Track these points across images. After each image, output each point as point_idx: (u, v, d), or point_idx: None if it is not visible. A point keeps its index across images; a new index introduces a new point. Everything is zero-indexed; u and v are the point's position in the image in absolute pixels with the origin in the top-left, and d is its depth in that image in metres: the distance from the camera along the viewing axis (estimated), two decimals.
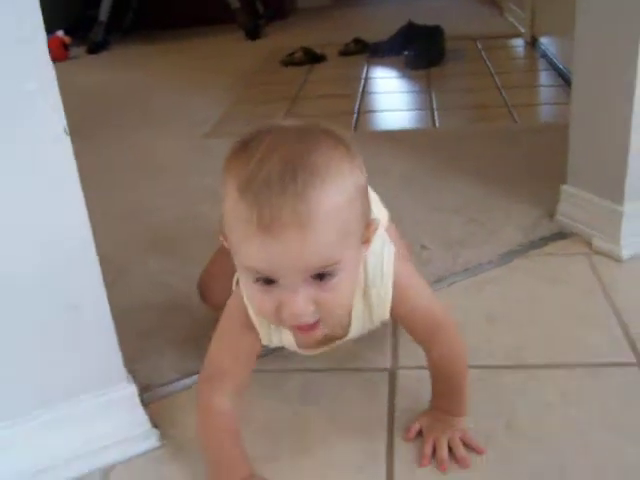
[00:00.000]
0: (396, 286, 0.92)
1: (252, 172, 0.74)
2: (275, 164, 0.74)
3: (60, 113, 0.85)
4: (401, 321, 0.99)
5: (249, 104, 2.65)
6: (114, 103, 2.88)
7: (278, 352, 1.14)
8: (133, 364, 1.06)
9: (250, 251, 0.75)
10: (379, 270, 0.91)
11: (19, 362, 0.93)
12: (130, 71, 3.44)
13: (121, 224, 1.68)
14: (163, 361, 1.20)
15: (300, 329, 0.82)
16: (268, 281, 0.77)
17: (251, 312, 0.91)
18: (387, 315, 0.94)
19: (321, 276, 0.77)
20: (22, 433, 0.96)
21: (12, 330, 0.91)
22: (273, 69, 3.31)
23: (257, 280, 0.78)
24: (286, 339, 0.95)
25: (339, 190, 0.76)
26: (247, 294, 0.85)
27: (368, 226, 0.83)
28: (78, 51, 3.78)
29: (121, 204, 1.80)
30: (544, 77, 2.94)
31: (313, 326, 0.81)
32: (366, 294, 0.92)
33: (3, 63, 0.80)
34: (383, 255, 0.92)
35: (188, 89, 2.98)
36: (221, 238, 0.84)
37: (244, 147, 0.78)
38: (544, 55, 3.13)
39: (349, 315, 0.94)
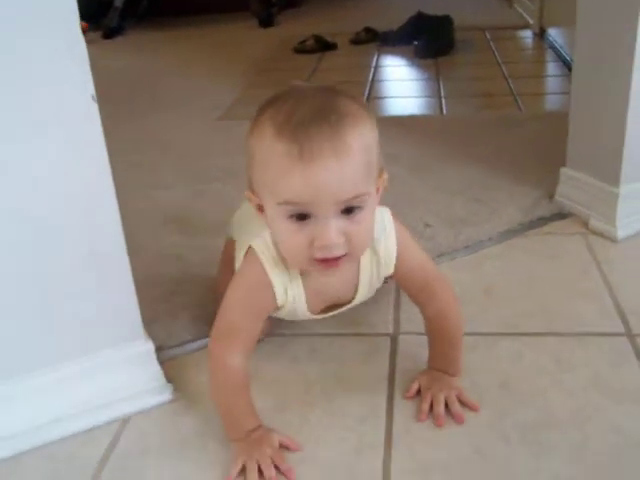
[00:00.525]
0: (398, 242, 0.99)
1: (287, 114, 0.82)
2: (307, 108, 0.82)
3: (89, 82, 0.91)
4: (401, 278, 1.05)
5: (261, 89, 2.71)
6: (129, 86, 2.94)
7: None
8: (148, 327, 1.12)
9: (291, 183, 0.82)
10: (382, 225, 0.98)
11: (43, 315, 1.00)
12: (144, 56, 3.51)
13: (135, 200, 1.74)
14: (176, 325, 1.27)
15: (326, 263, 0.88)
16: (301, 217, 0.85)
17: (268, 267, 0.97)
18: (392, 269, 1.01)
19: (349, 210, 0.85)
20: (46, 383, 1.02)
21: (41, 288, 0.98)
22: (285, 56, 3.36)
23: (291, 217, 0.85)
24: (299, 298, 1.00)
25: (365, 130, 0.84)
26: (279, 234, 0.90)
27: (380, 174, 0.91)
28: (94, 36, 3.85)
29: (135, 182, 1.87)
30: (551, 68, 2.98)
31: (339, 260, 0.88)
32: (374, 249, 0.99)
33: (43, 37, 0.86)
34: (383, 215, 1.00)
35: (201, 74, 3.04)
36: (247, 194, 0.92)
37: (273, 100, 0.87)
38: (552, 46, 3.17)
39: (357, 275, 1.01)
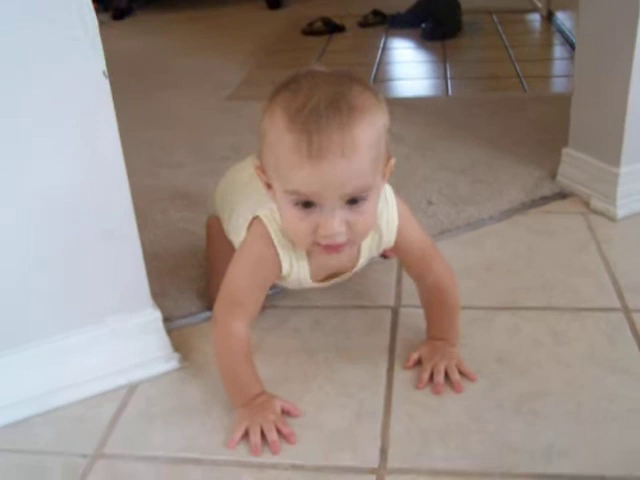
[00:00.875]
0: (398, 216, 1.03)
1: (300, 104, 0.84)
2: (319, 99, 0.84)
3: (101, 58, 0.94)
4: (400, 250, 1.08)
5: (269, 69, 2.74)
6: (139, 66, 2.96)
7: (289, 290, 1.24)
8: (156, 299, 1.15)
9: (298, 176, 0.85)
10: (384, 201, 1.02)
11: (57, 285, 1.03)
12: (153, 37, 3.53)
13: (145, 177, 1.78)
14: (183, 297, 1.30)
15: (328, 248, 0.92)
16: (306, 204, 0.88)
17: (275, 238, 1.00)
18: (392, 241, 1.04)
19: (354, 201, 0.88)
20: (57, 350, 1.06)
21: (53, 254, 1.01)
22: (293, 38, 3.38)
23: (296, 204, 0.88)
24: (303, 269, 1.04)
25: (373, 124, 0.87)
26: (285, 217, 0.93)
27: (388, 161, 0.94)
28: (103, 17, 3.87)
29: (145, 159, 1.90)
30: (558, 51, 2.99)
31: (340, 246, 0.92)
32: (376, 224, 1.01)
33: (56, 14, 0.89)
34: (385, 190, 1.02)
35: (210, 55, 3.06)
36: (257, 171, 0.95)
37: (287, 85, 0.89)
38: (560, 30, 3.18)
39: (359, 249, 1.04)
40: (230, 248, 1.12)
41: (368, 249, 1.05)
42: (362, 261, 1.07)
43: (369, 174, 0.87)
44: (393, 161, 0.95)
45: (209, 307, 1.19)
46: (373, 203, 0.92)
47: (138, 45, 3.37)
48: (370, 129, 0.86)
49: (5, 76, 0.89)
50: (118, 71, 0.96)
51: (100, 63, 0.94)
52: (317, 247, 0.93)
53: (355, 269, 1.09)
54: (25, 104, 0.92)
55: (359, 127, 0.85)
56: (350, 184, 0.86)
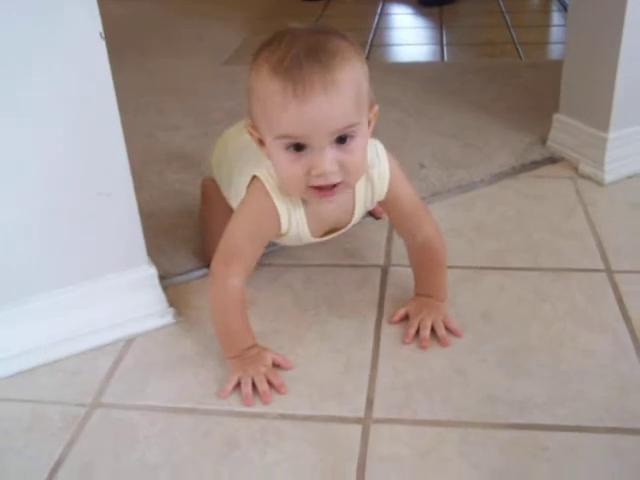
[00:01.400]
0: (390, 169, 1.06)
1: (281, 55, 0.89)
2: (300, 48, 0.88)
3: (97, 20, 0.96)
4: (391, 204, 1.11)
5: (266, 35, 2.72)
6: (135, 31, 2.96)
7: (282, 249, 1.27)
8: (152, 257, 1.18)
9: (285, 118, 0.89)
10: (375, 154, 1.05)
11: (57, 242, 1.06)
12: (148, 4, 3.49)
13: (142, 139, 1.80)
14: (178, 255, 1.33)
15: (323, 191, 0.95)
16: (298, 148, 0.91)
17: (273, 194, 1.03)
18: (384, 194, 1.07)
19: (342, 139, 0.91)
20: (57, 304, 1.09)
21: (51, 215, 1.04)
22: (291, 3, 3.37)
23: (288, 148, 0.92)
24: (301, 223, 1.06)
25: (353, 66, 0.91)
26: (278, 165, 0.96)
27: (371, 107, 0.97)
28: None
29: (142, 122, 1.93)
30: (556, 17, 3.00)
31: (334, 188, 0.95)
32: (368, 175, 1.05)
33: None
34: (376, 145, 1.06)
35: (206, 20, 3.06)
36: (248, 129, 0.99)
37: (269, 43, 0.93)
38: None
39: (353, 201, 1.07)
40: (226, 209, 1.15)
41: (362, 201, 1.08)
42: (357, 214, 1.10)
43: (353, 111, 0.91)
44: (377, 107, 0.99)
45: (206, 265, 1.23)
46: (361, 143, 0.95)
47: (134, 10, 3.36)
48: (349, 71, 0.90)
49: (1, 41, 0.91)
50: (115, 36, 0.99)
51: (96, 24, 0.97)
52: (312, 192, 0.96)
53: (351, 224, 1.11)
54: (20, 66, 0.94)
55: (338, 69, 0.89)
56: (335, 120, 0.89)
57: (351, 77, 0.90)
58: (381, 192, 1.07)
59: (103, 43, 0.98)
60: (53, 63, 0.95)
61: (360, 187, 1.06)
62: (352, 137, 0.93)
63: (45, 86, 0.96)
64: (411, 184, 1.12)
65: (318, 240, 1.12)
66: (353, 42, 0.95)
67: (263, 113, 0.93)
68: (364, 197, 1.08)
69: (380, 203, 1.11)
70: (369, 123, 0.98)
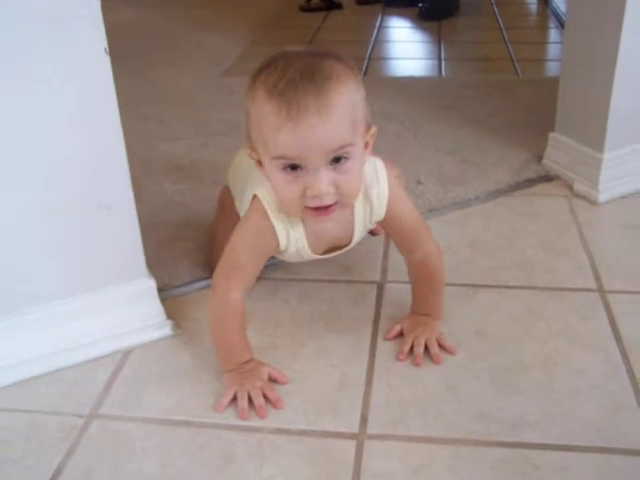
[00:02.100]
0: (389, 188, 1.07)
1: (277, 78, 0.91)
2: (295, 71, 0.91)
3: (102, 35, 0.98)
4: (390, 224, 1.12)
5: (265, 46, 2.77)
6: (135, 39, 2.98)
7: (280, 263, 1.29)
8: (151, 269, 1.19)
9: (280, 139, 0.91)
10: (374, 174, 1.06)
11: (57, 254, 1.08)
12: (150, 10, 3.52)
13: (141, 150, 1.81)
14: (177, 268, 1.34)
15: (319, 212, 0.97)
16: (294, 168, 0.93)
17: (271, 213, 1.04)
18: (383, 213, 1.08)
19: (337, 160, 0.93)
20: (56, 316, 1.11)
21: (52, 226, 1.05)
22: (291, 14, 3.40)
23: (284, 168, 0.94)
24: (300, 240, 1.08)
25: (348, 89, 0.93)
26: (275, 185, 0.98)
27: (368, 129, 0.99)
28: None
29: (142, 132, 1.94)
30: (553, 34, 3.03)
31: (330, 208, 0.97)
32: (366, 195, 1.06)
33: None
34: (375, 164, 1.08)
35: (207, 30, 3.08)
36: (248, 151, 1.01)
37: (266, 66, 0.95)
38: (555, 13, 3.21)
39: (352, 220, 1.09)
40: (237, 220, 1.16)
41: (362, 221, 1.09)
42: (357, 232, 1.11)
43: (347, 132, 0.93)
44: (374, 129, 1.01)
45: (210, 275, 1.24)
46: (357, 164, 0.97)
47: (135, 18, 3.37)
48: (344, 93, 0.92)
49: (9, 54, 0.93)
50: (114, 44, 1.00)
51: (102, 40, 0.98)
52: (308, 212, 0.98)
53: (353, 242, 1.13)
54: (28, 81, 0.95)
55: (333, 91, 0.91)
56: (329, 141, 0.91)
57: (345, 99, 0.92)
58: (380, 212, 1.08)
59: (107, 58, 1.00)
60: (57, 77, 0.97)
61: (359, 207, 1.07)
62: (347, 158, 0.94)
63: (48, 99, 0.98)
64: (412, 202, 1.13)
65: (320, 257, 1.13)
66: (349, 64, 0.97)
67: (259, 135, 0.96)
68: (363, 217, 1.09)
69: (379, 222, 1.12)
70: (367, 145, 1.00)
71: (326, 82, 0.91)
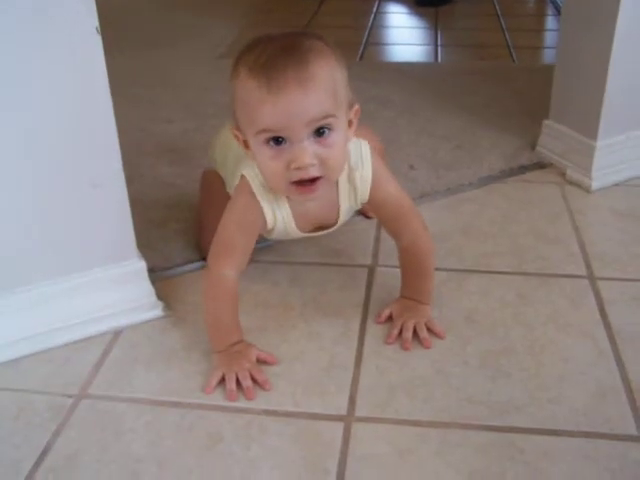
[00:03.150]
0: (373, 172, 1.07)
1: (258, 56, 0.92)
2: (275, 48, 0.92)
3: (93, 14, 0.97)
4: (375, 206, 1.12)
5: (261, 29, 2.72)
6: (131, 21, 2.96)
7: (271, 246, 1.29)
8: (142, 250, 1.19)
9: (263, 112, 0.92)
10: (359, 156, 1.07)
11: (47, 234, 1.07)
12: None
13: (134, 132, 1.81)
14: (169, 249, 1.34)
15: (303, 187, 0.97)
16: (277, 142, 0.94)
17: (257, 192, 1.05)
18: (367, 196, 1.08)
19: (320, 133, 0.94)
20: (46, 295, 1.11)
21: (43, 206, 1.05)
22: None
23: (268, 142, 0.94)
24: (287, 218, 1.08)
25: (328, 61, 0.94)
26: (260, 162, 0.98)
27: (351, 106, 1.00)
28: None
29: (135, 114, 1.93)
30: (550, 22, 3.02)
31: (314, 184, 0.97)
32: (350, 177, 1.07)
33: None
34: (361, 146, 1.08)
35: (203, 12, 3.07)
36: (234, 132, 1.02)
37: (248, 48, 0.96)
38: (553, 0, 3.20)
39: (337, 200, 1.09)
40: (225, 202, 1.16)
41: (347, 202, 1.09)
42: (343, 212, 1.11)
43: (328, 103, 0.93)
44: (357, 106, 1.01)
45: (201, 258, 1.26)
46: (340, 137, 0.97)
47: (129, 2, 3.35)
48: (324, 65, 0.93)
49: None
50: (109, 25, 1.00)
51: (93, 19, 0.98)
52: (293, 188, 0.98)
53: (340, 221, 1.13)
54: (15, 59, 0.95)
55: (313, 62, 0.92)
56: (310, 110, 0.92)
57: (326, 70, 0.93)
58: (364, 195, 1.09)
59: (99, 38, 0.99)
60: (48, 56, 0.96)
61: (343, 188, 1.08)
62: (330, 130, 0.95)
63: (39, 79, 0.97)
64: (398, 184, 1.12)
65: (308, 235, 1.14)
66: (329, 44, 0.98)
67: (243, 112, 0.96)
68: (348, 198, 1.09)
69: (364, 203, 1.12)
70: (350, 123, 1.01)
71: (306, 55, 0.92)
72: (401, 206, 1.11)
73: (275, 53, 0.92)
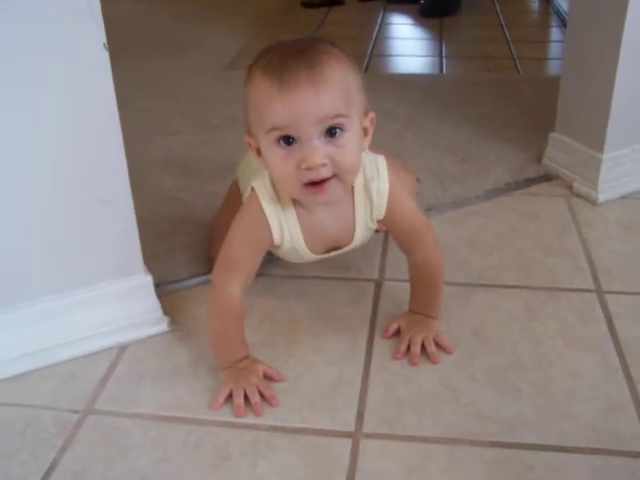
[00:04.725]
0: (390, 186, 1.06)
1: (271, 59, 0.93)
2: (289, 50, 0.93)
3: (102, 30, 0.97)
4: (391, 222, 1.10)
5: (267, 40, 2.71)
6: (137, 32, 2.97)
7: (278, 259, 1.28)
8: (148, 264, 1.19)
9: (273, 110, 0.91)
10: (375, 169, 1.06)
11: (54, 248, 1.07)
12: (149, 5, 3.49)
13: (140, 144, 1.81)
14: (175, 263, 1.34)
15: (314, 188, 0.96)
16: (287, 141, 0.93)
17: (263, 202, 1.04)
18: (383, 211, 1.07)
19: (332, 132, 0.93)
20: (52, 310, 1.10)
21: (49, 221, 1.05)
22: (292, 9, 3.39)
23: (278, 141, 0.93)
24: (295, 235, 1.07)
25: (340, 65, 0.94)
26: (271, 164, 0.97)
27: (366, 113, 0.99)
28: None
29: (141, 126, 1.93)
30: (555, 33, 3.02)
31: (325, 184, 0.95)
32: (367, 189, 1.05)
33: None
34: (377, 161, 1.07)
35: (209, 24, 3.07)
36: (246, 139, 1.01)
37: (261, 53, 0.96)
38: (557, 11, 3.20)
39: (353, 216, 1.07)
40: None
41: (363, 216, 1.07)
42: (359, 229, 1.09)
43: (339, 103, 0.93)
44: (372, 114, 1.01)
45: (209, 270, 1.24)
46: (352, 139, 0.95)
47: (135, 11, 3.36)
48: (336, 67, 0.93)
49: (5, 49, 0.92)
50: (116, 36, 1.00)
51: (101, 35, 0.98)
52: (304, 189, 0.96)
53: (354, 240, 1.11)
54: (25, 77, 0.95)
55: (325, 63, 0.92)
56: (321, 109, 0.91)
57: (338, 72, 0.93)
58: (380, 208, 1.07)
59: (106, 53, 0.99)
60: (56, 72, 0.97)
61: (359, 201, 1.06)
62: (342, 131, 0.94)
63: (47, 94, 0.97)
64: (413, 201, 1.12)
65: (319, 257, 1.12)
66: (342, 49, 0.98)
67: (254, 112, 0.96)
68: (364, 212, 1.07)
69: (380, 220, 1.10)
70: (366, 131, 1.00)
71: (319, 56, 0.92)
72: (416, 223, 1.10)
73: (288, 55, 0.92)
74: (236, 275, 1.06)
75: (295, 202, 1.04)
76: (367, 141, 1.01)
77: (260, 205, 1.04)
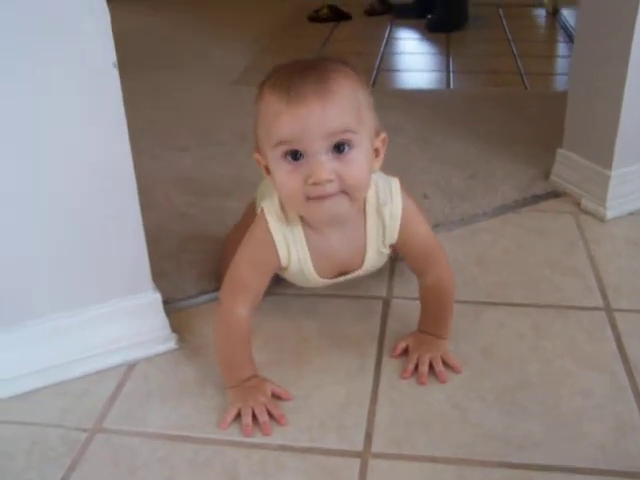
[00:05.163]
0: (403, 209, 1.05)
1: (280, 75, 0.94)
2: (297, 68, 0.94)
3: (111, 49, 0.98)
4: (403, 245, 1.09)
5: (274, 55, 2.77)
6: (142, 48, 2.97)
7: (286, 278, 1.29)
8: (156, 281, 1.19)
9: (280, 123, 0.91)
10: (388, 191, 1.05)
11: (63, 266, 1.07)
12: (157, 20, 3.53)
13: (148, 159, 1.82)
14: (183, 280, 1.34)
15: (322, 199, 0.94)
16: (294, 156, 0.93)
17: (271, 221, 1.03)
18: (396, 236, 1.06)
19: (340, 148, 0.92)
20: (60, 328, 1.10)
21: (58, 238, 1.05)
22: (299, 24, 3.40)
23: (285, 156, 0.93)
24: (304, 260, 1.06)
25: (349, 83, 0.94)
26: (278, 179, 0.96)
27: (378, 133, 0.99)
28: None
29: (149, 141, 1.94)
30: (561, 48, 3.02)
31: (333, 196, 0.94)
32: (379, 212, 1.05)
33: (66, 8, 0.93)
34: (390, 182, 1.06)
35: (216, 38, 3.08)
36: (256, 156, 1.01)
37: (272, 71, 0.97)
38: (564, 27, 3.21)
39: (364, 239, 1.07)
40: None
41: (374, 240, 1.07)
42: (370, 253, 1.08)
43: (348, 118, 0.92)
44: (384, 135, 1.00)
45: (219, 287, 1.24)
46: (361, 156, 0.95)
47: (144, 24, 3.38)
48: (345, 84, 0.93)
49: (16, 67, 0.93)
50: (124, 51, 1.00)
51: (111, 54, 0.98)
52: (310, 206, 0.96)
53: (364, 266, 1.10)
54: (35, 94, 0.95)
55: (333, 79, 0.92)
56: (328, 123, 0.91)
57: (347, 89, 0.93)
58: (392, 232, 1.06)
59: (116, 72, 1.00)
60: (66, 90, 0.97)
61: (371, 224, 1.06)
62: (350, 147, 0.93)
63: (57, 111, 0.98)
64: (427, 223, 1.12)
65: (327, 282, 1.12)
66: (352, 68, 0.98)
67: (262, 127, 0.96)
68: (375, 236, 1.07)
69: (393, 244, 1.09)
70: (377, 151, 1.00)
71: (328, 73, 0.93)
72: (429, 246, 1.10)
73: (296, 72, 0.93)
74: (243, 295, 1.06)
75: (304, 223, 1.04)
76: (378, 162, 1.01)
77: (267, 225, 1.04)
